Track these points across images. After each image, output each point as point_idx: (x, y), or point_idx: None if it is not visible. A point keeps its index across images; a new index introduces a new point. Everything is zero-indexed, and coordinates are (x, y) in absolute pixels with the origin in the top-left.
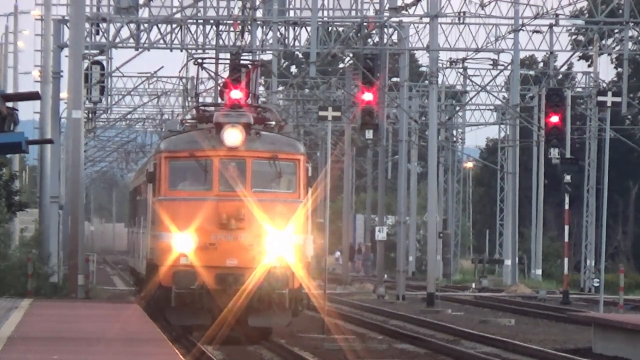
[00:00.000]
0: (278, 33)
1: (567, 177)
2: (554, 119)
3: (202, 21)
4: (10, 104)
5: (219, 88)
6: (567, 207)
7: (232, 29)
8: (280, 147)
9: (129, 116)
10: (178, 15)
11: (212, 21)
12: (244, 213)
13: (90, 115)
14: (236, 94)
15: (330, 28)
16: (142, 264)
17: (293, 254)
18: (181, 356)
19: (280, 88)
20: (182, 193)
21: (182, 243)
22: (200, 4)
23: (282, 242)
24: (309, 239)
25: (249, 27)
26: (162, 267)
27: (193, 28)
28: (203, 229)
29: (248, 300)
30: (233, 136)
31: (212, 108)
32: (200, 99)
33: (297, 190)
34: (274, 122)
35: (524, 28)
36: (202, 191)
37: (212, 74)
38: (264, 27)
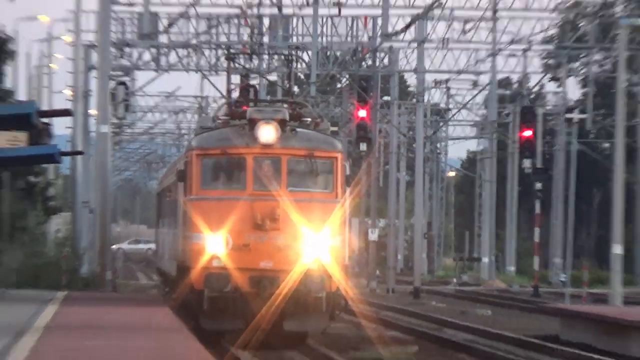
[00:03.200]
0: (282, 57)
1: (538, 185)
2: (527, 133)
3: (214, 46)
4: (45, 120)
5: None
6: (537, 211)
7: (241, 55)
8: (316, 144)
9: (150, 131)
10: (194, 41)
11: (223, 46)
12: (279, 213)
13: (118, 129)
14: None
15: (328, 52)
16: (172, 265)
17: (330, 256)
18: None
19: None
20: (215, 192)
21: (214, 244)
22: (214, 30)
23: (318, 243)
24: (346, 240)
25: (257, 51)
26: (193, 270)
27: (207, 52)
28: (236, 230)
29: (283, 304)
30: (267, 133)
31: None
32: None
33: (334, 189)
34: (309, 119)
35: (500, 52)
36: (235, 190)
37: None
38: (270, 51)
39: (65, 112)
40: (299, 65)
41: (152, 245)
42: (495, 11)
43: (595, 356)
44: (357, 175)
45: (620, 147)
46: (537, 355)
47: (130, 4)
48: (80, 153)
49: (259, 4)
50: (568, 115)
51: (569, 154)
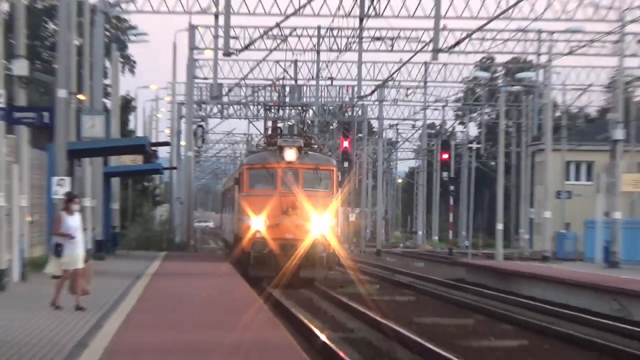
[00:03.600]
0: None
1: (452, 187)
2: (445, 156)
3: (256, 103)
4: (154, 148)
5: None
6: (451, 203)
7: (272, 108)
8: (320, 161)
9: (217, 154)
10: (244, 100)
11: (262, 103)
12: (297, 204)
13: (196, 155)
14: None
15: (325, 107)
16: (231, 236)
17: (329, 231)
18: (249, 286)
19: None
20: (257, 191)
21: (257, 223)
22: (256, 93)
23: (322, 223)
24: (338, 221)
25: (282, 106)
26: (244, 239)
27: (252, 107)
28: (270, 214)
29: (300, 260)
30: (290, 154)
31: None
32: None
33: (331, 189)
34: (316, 146)
35: (429, 107)
36: (269, 190)
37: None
38: (290, 106)
39: (165, 144)
40: (307, 115)
41: (209, 223)
42: (425, 82)
43: (485, 291)
44: (344, 181)
45: (501, 165)
46: (451, 290)
47: (205, 78)
48: (174, 168)
49: (283, 78)
50: (469, 146)
51: (470, 169)
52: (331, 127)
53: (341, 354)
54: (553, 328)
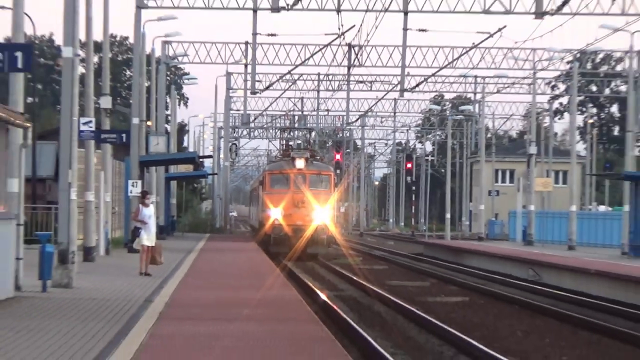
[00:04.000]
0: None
1: (413, 188)
2: (409, 165)
3: (274, 128)
4: (201, 160)
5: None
6: (413, 199)
7: (286, 131)
8: (321, 168)
9: (246, 164)
10: (266, 125)
11: (278, 128)
12: (305, 199)
13: (231, 164)
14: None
15: (323, 130)
16: (256, 222)
17: (328, 219)
18: (271, 260)
19: None
20: (276, 190)
21: (276, 213)
22: (274, 121)
23: (323, 213)
24: (335, 212)
25: (293, 129)
26: (266, 225)
27: (271, 130)
28: (285, 207)
29: (306, 241)
30: (300, 163)
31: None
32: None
33: (330, 189)
34: (318, 157)
35: (397, 131)
36: (285, 189)
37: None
38: (298, 129)
39: (209, 156)
40: (310, 136)
41: (233, 213)
42: (394, 113)
43: (437, 262)
44: (339, 183)
45: (448, 171)
46: (413, 262)
47: (238, 110)
48: (215, 174)
49: (293, 110)
50: (426, 158)
51: (426, 175)
52: (327, 145)
53: (334, 306)
54: (486, 288)
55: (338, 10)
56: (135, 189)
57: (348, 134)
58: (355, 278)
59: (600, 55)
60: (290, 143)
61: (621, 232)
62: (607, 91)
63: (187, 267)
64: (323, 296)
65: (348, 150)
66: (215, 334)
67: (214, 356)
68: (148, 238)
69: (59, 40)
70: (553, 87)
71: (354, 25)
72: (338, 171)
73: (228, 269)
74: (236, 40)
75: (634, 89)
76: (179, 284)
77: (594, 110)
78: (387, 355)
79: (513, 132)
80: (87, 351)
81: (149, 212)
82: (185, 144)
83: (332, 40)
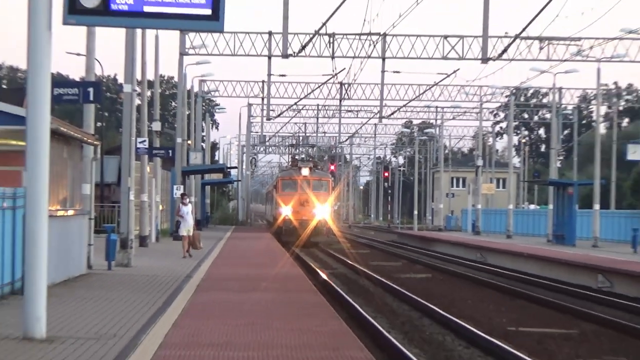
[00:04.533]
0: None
1: (389, 191)
2: (386, 174)
3: (285, 145)
4: (229, 169)
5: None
6: (389, 200)
7: (293, 148)
8: (322, 175)
9: (262, 173)
10: (277, 144)
11: (287, 145)
12: (309, 199)
13: (251, 173)
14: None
15: (321, 147)
16: (271, 217)
17: (327, 215)
18: (282, 246)
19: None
20: (286, 192)
21: (286, 210)
22: (286, 141)
23: (323, 210)
24: (332, 210)
25: (298, 147)
26: (279, 219)
27: (281, 148)
28: (294, 205)
29: (310, 232)
30: (305, 171)
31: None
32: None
33: (328, 191)
34: (319, 167)
35: (377, 147)
36: (293, 192)
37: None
38: (302, 147)
39: (234, 167)
40: (312, 151)
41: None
42: (375, 134)
43: (407, 247)
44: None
45: (416, 179)
46: (388, 247)
47: (256, 132)
48: (239, 180)
49: (298, 132)
50: (399, 168)
51: (399, 181)
52: (324, 158)
53: (329, 281)
54: (444, 267)
55: (332, 57)
56: (178, 192)
57: (340, 150)
58: (345, 259)
59: (531, 91)
60: (297, 157)
61: (547, 225)
62: (535, 118)
63: (218, 251)
64: (321, 273)
65: (340, 162)
66: (240, 301)
67: (239, 317)
68: (185, 229)
69: (120, 79)
70: (495, 115)
71: (344, 68)
72: (332, 178)
73: (249, 252)
74: (255, 79)
75: (556, 117)
76: (212, 264)
77: (526, 133)
78: (369, 317)
79: (465, 149)
80: (142, 314)
81: (187, 210)
82: (216, 157)
83: (328, 80)
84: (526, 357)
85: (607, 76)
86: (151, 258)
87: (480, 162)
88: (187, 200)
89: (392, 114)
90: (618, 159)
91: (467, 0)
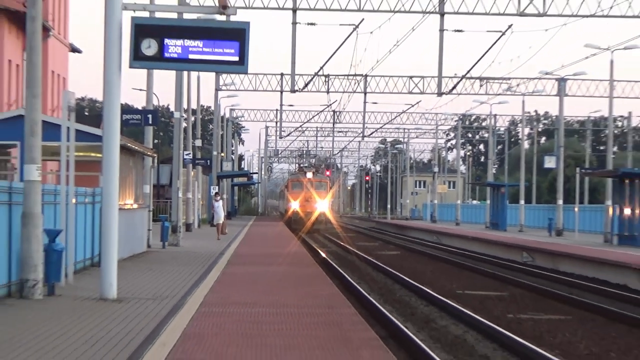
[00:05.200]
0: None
1: (370, 190)
2: (367, 178)
3: (293, 157)
4: (252, 175)
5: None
6: (369, 197)
7: (299, 158)
8: (322, 178)
9: (276, 177)
10: (287, 157)
11: (295, 157)
12: (312, 196)
13: (268, 177)
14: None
15: (319, 157)
16: (283, 210)
17: (326, 209)
18: (292, 233)
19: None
20: (295, 191)
21: (295, 205)
22: (293, 154)
23: (323, 204)
24: (330, 205)
25: (303, 157)
26: (289, 211)
27: (290, 158)
28: (300, 201)
29: (312, 221)
30: (309, 175)
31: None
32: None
33: (327, 190)
34: (319, 172)
35: (360, 159)
36: (300, 190)
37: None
38: (306, 157)
39: (255, 173)
40: (313, 160)
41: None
42: (359, 149)
43: (383, 231)
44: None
45: (389, 182)
46: (369, 231)
47: (271, 147)
48: (259, 183)
49: (302, 147)
50: (377, 174)
51: (377, 184)
52: (322, 166)
53: (326, 257)
54: (409, 246)
55: (327, 92)
56: (213, 191)
57: (333, 160)
58: (337, 241)
59: (473, 117)
60: (302, 165)
61: (485, 215)
62: (477, 137)
63: (243, 235)
64: (320, 252)
65: (333, 169)
66: (260, 272)
67: (260, 284)
68: (216, 219)
69: (172, 107)
70: (447, 134)
71: (337, 100)
72: (330, 180)
73: (266, 236)
74: (271, 108)
75: (492, 136)
76: (239, 244)
77: (470, 147)
78: (355, 284)
79: (425, 159)
80: (187, 281)
81: (219, 205)
82: (242, 166)
83: (324, 109)
84: (471, 312)
85: (529, 106)
86: (194, 240)
87: (436, 169)
88: (219, 197)
89: (371, 133)
90: (538, 166)
91: (427, 49)
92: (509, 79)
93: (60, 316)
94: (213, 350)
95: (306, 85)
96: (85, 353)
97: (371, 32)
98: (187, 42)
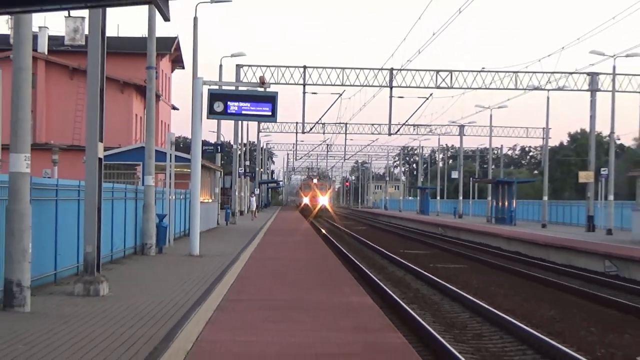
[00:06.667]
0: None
1: (348, 192)
2: (347, 184)
3: (305, 170)
4: (279, 181)
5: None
6: (348, 195)
7: (308, 171)
8: (324, 182)
9: (293, 183)
10: (300, 170)
11: (305, 171)
12: (317, 194)
13: (288, 182)
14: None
15: (319, 171)
16: (298, 203)
17: (327, 203)
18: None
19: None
20: (305, 190)
21: (305, 200)
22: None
23: (324, 200)
24: (331, 200)
25: (311, 169)
26: (301, 204)
27: (302, 171)
28: (309, 197)
29: (317, 211)
30: (315, 180)
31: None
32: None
33: (327, 190)
34: (321, 178)
35: (344, 174)
36: (309, 190)
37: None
38: (312, 170)
39: (281, 180)
40: (317, 172)
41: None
42: (342, 168)
43: (363, 217)
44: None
45: (360, 187)
46: (349, 215)
47: (290, 165)
48: (283, 187)
49: (310, 166)
50: (353, 181)
51: (353, 187)
52: (323, 175)
53: (326, 233)
54: (373, 224)
55: (323, 132)
56: (256, 191)
57: (328, 173)
58: (335, 224)
59: (409, 148)
60: (310, 174)
61: (416, 206)
62: (412, 159)
63: (274, 218)
64: (322, 229)
65: (328, 178)
66: (284, 240)
67: (285, 246)
68: (251, 207)
69: (231, 141)
70: (394, 158)
71: (329, 137)
72: (329, 184)
73: (288, 219)
74: (290, 142)
75: (421, 159)
76: (271, 223)
77: (407, 166)
78: (340, 246)
79: (380, 172)
80: (241, 244)
81: (252, 199)
82: (274, 176)
83: (321, 143)
84: (408, 263)
85: (443, 141)
86: (243, 220)
87: (387, 179)
88: (253, 195)
89: (349, 157)
90: (448, 177)
91: (382, 108)
92: (431, 125)
93: (167, 264)
94: (254, 283)
95: (310, 129)
96: (185, 282)
97: (349, 98)
98: (241, 104)
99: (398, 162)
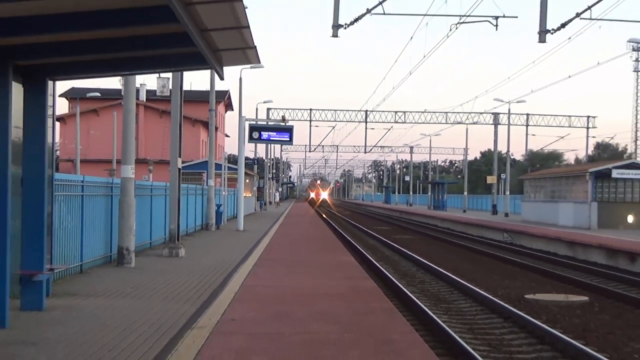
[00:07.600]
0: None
1: (338, 189)
2: (338, 184)
3: (311, 176)
4: (294, 184)
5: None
6: (339, 191)
7: (314, 176)
8: (324, 183)
9: (303, 184)
10: (309, 175)
11: (313, 175)
12: (320, 191)
13: (300, 183)
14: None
15: (321, 176)
16: (307, 197)
17: (327, 197)
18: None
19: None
20: (312, 188)
21: (312, 195)
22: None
23: (325, 195)
24: (331, 195)
25: (316, 175)
26: (309, 198)
27: (310, 176)
28: (315, 193)
29: (320, 202)
30: (318, 181)
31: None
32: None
33: (327, 188)
34: (325, 180)
35: (337, 178)
36: (314, 188)
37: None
38: (318, 175)
39: (295, 182)
40: (321, 176)
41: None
42: (335, 174)
43: (351, 206)
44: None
45: (347, 186)
46: (342, 205)
47: (301, 173)
48: (297, 186)
49: (315, 173)
50: (342, 183)
51: (342, 186)
52: (324, 178)
53: (327, 218)
54: (357, 211)
55: (322, 151)
56: (279, 189)
57: (326, 177)
58: (336, 213)
59: (382, 161)
60: (315, 178)
61: (382, 198)
62: (381, 168)
63: (290, 207)
64: (324, 215)
65: (326, 181)
66: (299, 221)
67: (301, 225)
68: (275, 200)
69: (264, 157)
70: (369, 169)
71: (327, 154)
72: (329, 184)
73: (300, 207)
74: (301, 157)
75: (386, 169)
76: (289, 210)
77: (377, 173)
78: (336, 227)
79: (359, 177)
80: (270, 224)
81: (277, 194)
82: (291, 179)
83: (321, 158)
84: (376, 234)
85: (401, 156)
86: (271, 208)
87: (363, 181)
88: (277, 191)
89: (339, 167)
90: (402, 180)
91: (360, 135)
92: (392, 146)
93: (222, 236)
94: (277, 251)
95: (314, 149)
96: (234, 247)
97: (340, 129)
98: (270, 133)
99: (371, 170)
